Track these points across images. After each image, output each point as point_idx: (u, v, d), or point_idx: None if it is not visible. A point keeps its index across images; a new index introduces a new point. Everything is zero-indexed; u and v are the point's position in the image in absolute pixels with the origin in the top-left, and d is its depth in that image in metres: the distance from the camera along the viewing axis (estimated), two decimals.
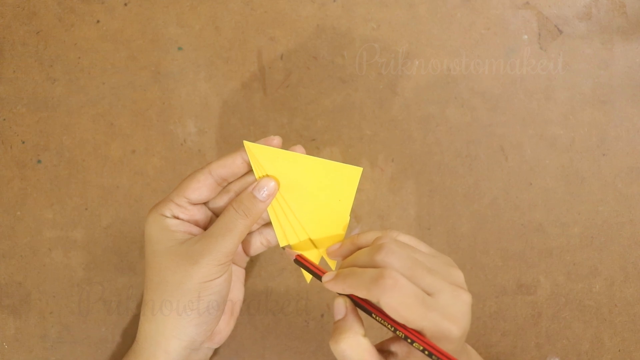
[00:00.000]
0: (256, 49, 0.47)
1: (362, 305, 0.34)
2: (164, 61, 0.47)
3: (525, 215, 0.47)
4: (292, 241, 0.38)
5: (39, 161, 0.47)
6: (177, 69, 0.47)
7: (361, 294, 0.32)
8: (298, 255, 0.37)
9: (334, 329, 0.33)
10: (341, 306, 0.34)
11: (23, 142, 0.47)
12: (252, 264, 0.47)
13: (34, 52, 0.47)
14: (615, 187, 0.47)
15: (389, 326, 0.32)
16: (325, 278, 0.35)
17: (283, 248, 0.39)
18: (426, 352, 0.31)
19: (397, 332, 0.31)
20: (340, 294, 0.34)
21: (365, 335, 0.32)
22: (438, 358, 0.30)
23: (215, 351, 0.45)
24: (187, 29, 0.47)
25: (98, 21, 0.47)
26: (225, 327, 0.39)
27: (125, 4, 0.47)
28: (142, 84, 0.47)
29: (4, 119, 0.47)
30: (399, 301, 0.30)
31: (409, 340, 0.31)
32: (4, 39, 0.47)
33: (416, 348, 0.31)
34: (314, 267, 0.36)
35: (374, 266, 0.32)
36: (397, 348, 0.33)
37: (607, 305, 0.47)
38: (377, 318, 0.33)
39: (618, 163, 0.47)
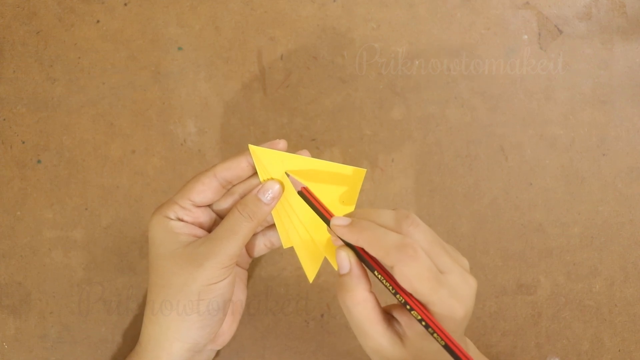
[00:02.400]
0: (256, 49, 0.47)
1: (367, 260, 0.33)
2: (164, 61, 0.47)
3: (525, 215, 0.47)
4: (296, 243, 0.38)
5: (39, 161, 0.47)
6: (177, 69, 0.47)
7: (375, 252, 0.31)
8: (303, 187, 0.36)
9: (340, 283, 0.33)
10: (345, 260, 0.33)
11: (23, 142, 0.47)
12: (252, 264, 0.47)
13: (34, 52, 0.47)
14: (615, 187, 0.47)
15: (390, 287, 0.32)
16: (337, 221, 0.33)
17: (287, 175, 0.37)
18: (423, 323, 0.30)
19: (398, 296, 0.31)
20: (343, 245, 0.33)
21: (371, 291, 0.32)
22: (433, 330, 0.30)
23: (216, 351, 0.45)
24: (187, 29, 0.47)
25: (98, 21, 0.47)
26: (228, 328, 0.39)
27: (125, 4, 0.47)
28: (142, 84, 0.47)
29: (4, 119, 0.47)
30: (414, 273, 0.30)
31: (408, 307, 0.31)
32: (4, 39, 0.47)
33: (414, 317, 0.31)
34: (320, 205, 0.35)
35: (397, 231, 0.32)
36: (399, 315, 0.33)
37: (607, 305, 0.47)
38: (379, 276, 0.32)
39: (618, 163, 0.47)
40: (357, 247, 0.33)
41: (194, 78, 0.47)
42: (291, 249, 0.39)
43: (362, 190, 0.47)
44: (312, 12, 0.47)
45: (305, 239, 0.38)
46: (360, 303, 0.32)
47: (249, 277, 0.47)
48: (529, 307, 0.47)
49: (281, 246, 0.39)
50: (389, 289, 0.32)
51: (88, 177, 0.47)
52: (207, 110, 0.47)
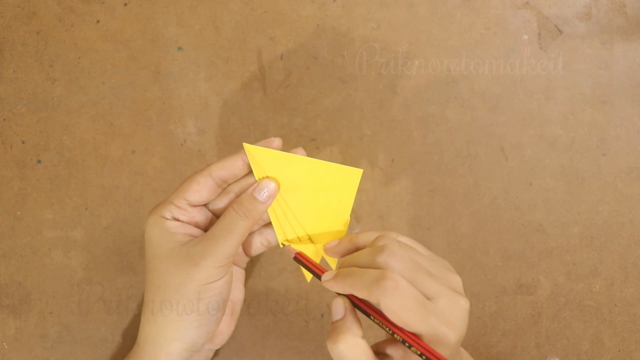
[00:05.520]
0: (256, 49, 0.47)
1: (361, 307, 0.33)
2: (164, 61, 0.47)
3: (525, 215, 0.47)
4: (293, 241, 0.38)
5: (39, 161, 0.47)
6: (177, 69, 0.47)
7: (361, 294, 0.32)
8: (297, 253, 0.37)
9: (332, 329, 0.33)
10: (340, 306, 0.33)
11: (23, 142, 0.47)
12: (252, 264, 0.47)
13: (34, 52, 0.47)
14: (615, 187, 0.47)
15: (387, 329, 0.32)
16: (324, 277, 0.34)
17: (282, 245, 0.38)
18: (424, 357, 0.30)
19: (395, 335, 0.31)
20: (339, 294, 0.34)
21: (363, 337, 0.32)
22: None
23: (216, 351, 0.45)
24: (187, 29, 0.47)
25: (98, 21, 0.47)
26: (226, 328, 0.39)
27: (125, 4, 0.47)
28: (142, 84, 0.47)
29: (4, 119, 0.47)
30: (399, 304, 0.30)
31: (407, 344, 0.31)
32: (4, 39, 0.47)
33: (414, 352, 0.31)
34: (313, 265, 0.36)
35: (376, 267, 0.32)
36: (393, 351, 0.33)
37: (607, 305, 0.47)
38: (376, 320, 0.33)
39: (618, 163, 0.47)
40: (349, 295, 0.34)
41: (194, 78, 0.47)
42: None
43: (362, 190, 0.47)
44: (312, 12, 0.47)
45: (302, 238, 0.38)
46: (353, 347, 0.31)
47: (249, 277, 0.47)
48: (529, 307, 0.47)
49: (278, 245, 0.39)
50: (386, 331, 0.32)
51: (88, 177, 0.47)
52: (207, 110, 0.47)
